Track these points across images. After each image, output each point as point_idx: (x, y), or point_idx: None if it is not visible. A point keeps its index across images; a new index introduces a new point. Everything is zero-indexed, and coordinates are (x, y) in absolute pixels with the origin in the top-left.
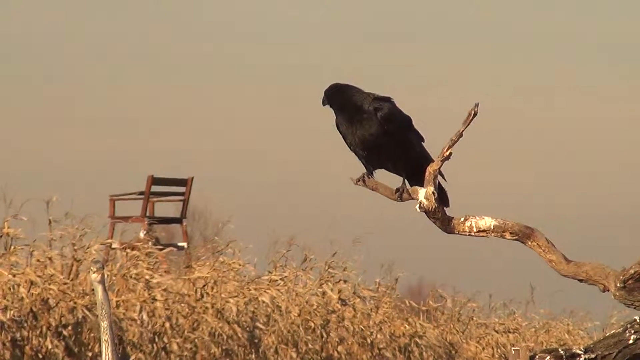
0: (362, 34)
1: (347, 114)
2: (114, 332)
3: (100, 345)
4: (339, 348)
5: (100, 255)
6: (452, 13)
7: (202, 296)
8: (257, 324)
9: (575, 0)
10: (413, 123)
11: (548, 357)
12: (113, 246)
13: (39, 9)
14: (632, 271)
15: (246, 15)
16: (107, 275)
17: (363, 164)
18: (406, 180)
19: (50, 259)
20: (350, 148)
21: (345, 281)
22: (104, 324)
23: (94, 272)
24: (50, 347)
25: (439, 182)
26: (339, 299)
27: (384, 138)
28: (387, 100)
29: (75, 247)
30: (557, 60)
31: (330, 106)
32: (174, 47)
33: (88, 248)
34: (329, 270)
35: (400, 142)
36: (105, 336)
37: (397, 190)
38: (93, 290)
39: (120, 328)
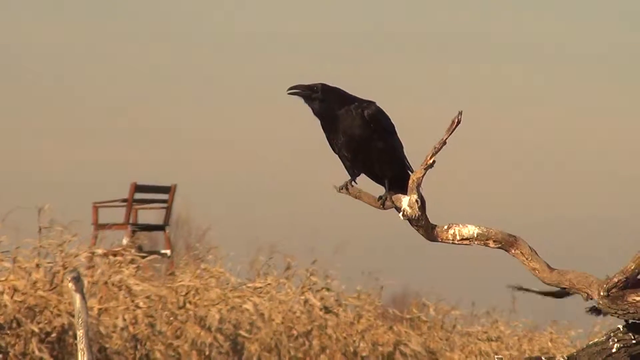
0: (345, 43)
1: (335, 114)
2: (90, 341)
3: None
4: (322, 356)
5: (85, 262)
6: (428, 24)
7: (185, 304)
8: (240, 331)
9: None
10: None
11: None
12: (96, 253)
13: (30, 19)
14: (615, 280)
15: (226, 20)
16: (89, 282)
17: (347, 168)
18: (389, 188)
19: (37, 265)
20: (334, 150)
21: (327, 289)
22: (80, 333)
23: (69, 281)
24: (35, 353)
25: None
26: (323, 306)
27: (370, 139)
28: (373, 103)
29: (63, 254)
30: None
31: (319, 102)
32: (156, 56)
33: (77, 256)
34: (311, 278)
35: (386, 144)
36: (81, 345)
37: (380, 197)
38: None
39: (102, 335)
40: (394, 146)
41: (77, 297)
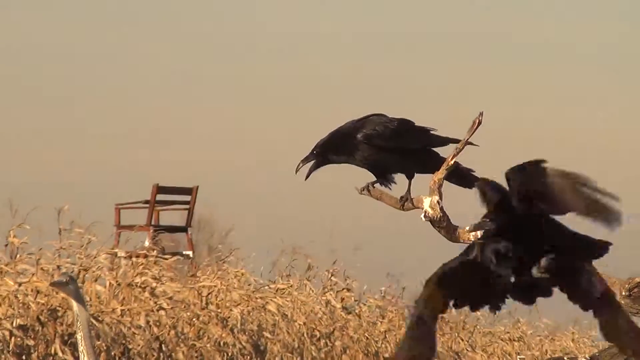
0: (365, 44)
1: (343, 155)
2: (93, 342)
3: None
4: (344, 357)
5: (106, 264)
6: (450, 24)
7: (207, 305)
8: (263, 332)
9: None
10: (411, 124)
11: None
12: (118, 255)
13: (45, 19)
14: (637, 279)
15: (247, 28)
16: (111, 284)
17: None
18: (410, 190)
19: (58, 267)
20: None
21: (348, 289)
22: (79, 335)
23: (52, 284)
24: (58, 354)
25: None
26: (343, 307)
27: (384, 154)
28: (371, 116)
29: (82, 256)
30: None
31: (323, 160)
32: (179, 58)
33: (96, 257)
34: (332, 278)
35: (403, 152)
36: (81, 347)
37: (401, 198)
38: (98, 297)
39: (124, 337)
40: (409, 149)
41: (73, 301)
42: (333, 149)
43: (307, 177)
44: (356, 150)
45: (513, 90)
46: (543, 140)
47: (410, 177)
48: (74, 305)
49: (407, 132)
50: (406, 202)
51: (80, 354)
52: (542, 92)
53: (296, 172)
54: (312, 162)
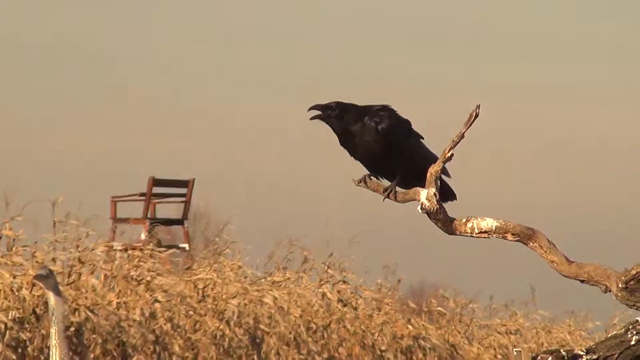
0: (366, 36)
1: (351, 132)
2: (65, 338)
3: (49, 350)
4: (340, 349)
5: (103, 256)
6: (454, 17)
7: (203, 297)
8: (259, 325)
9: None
10: (412, 125)
11: (550, 358)
12: (114, 247)
13: (40, 10)
14: (633, 272)
15: (246, 15)
16: (107, 276)
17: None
18: (397, 182)
19: (54, 260)
20: (353, 156)
21: (344, 282)
22: (53, 330)
23: (35, 279)
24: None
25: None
26: (339, 299)
27: (387, 150)
28: (386, 109)
29: (79, 249)
30: (558, 61)
31: (337, 120)
32: (174, 47)
33: (92, 250)
34: (328, 271)
35: (403, 152)
36: (53, 341)
37: (385, 189)
38: (94, 290)
39: (120, 329)
40: (413, 150)
41: (51, 295)
42: (347, 117)
43: (313, 118)
44: (365, 137)
45: (513, 88)
46: (546, 140)
47: (402, 174)
48: (51, 298)
49: (414, 135)
50: (389, 193)
51: (51, 347)
52: (542, 92)
53: (308, 111)
54: (324, 114)
